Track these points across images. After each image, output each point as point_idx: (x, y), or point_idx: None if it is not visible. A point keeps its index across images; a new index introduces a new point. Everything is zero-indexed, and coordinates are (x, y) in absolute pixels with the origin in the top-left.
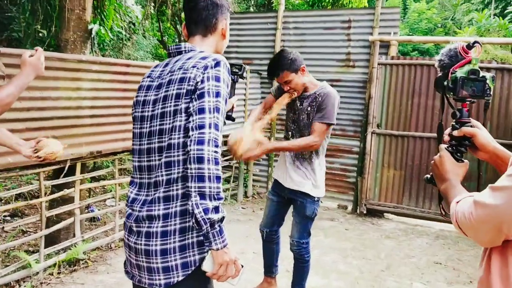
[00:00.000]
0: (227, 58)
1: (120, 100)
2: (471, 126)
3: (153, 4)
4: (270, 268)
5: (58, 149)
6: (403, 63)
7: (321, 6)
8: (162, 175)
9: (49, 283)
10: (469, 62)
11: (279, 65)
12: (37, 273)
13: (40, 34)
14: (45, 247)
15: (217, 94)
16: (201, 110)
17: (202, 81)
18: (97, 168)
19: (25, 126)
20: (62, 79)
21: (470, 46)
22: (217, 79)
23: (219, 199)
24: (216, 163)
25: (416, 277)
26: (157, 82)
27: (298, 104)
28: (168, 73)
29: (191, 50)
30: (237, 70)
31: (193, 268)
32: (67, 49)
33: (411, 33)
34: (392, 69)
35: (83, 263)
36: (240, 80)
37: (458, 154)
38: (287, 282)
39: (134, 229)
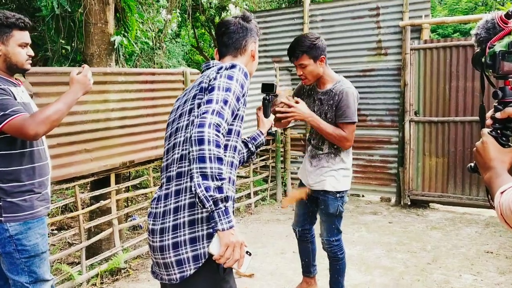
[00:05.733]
0: None
1: (149, 109)
2: None
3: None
4: (307, 268)
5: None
6: (437, 46)
7: None
8: (174, 170)
9: None
10: (509, 33)
11: (300, 45)
12: (80, 284)
13: (64, 51)
14: (89, 258)
15: (228, 89)
16: (209, 101)
17: (215, 78)
18: (137, 176)
19: (56, 142)
20: (89, 92)
21: (509, 15)
22: (230, 77)
23: (221, 179)
24: (217, 145)
25: (466, 269)
26: (184, 93)
27: (315, 104)
28: (193, 83)
29: (218, 64)
30: (269, 91)
31: (203, 260)
32: (93, 63)
33: (450, 14)
34: (426, 53)
35: (124, 272)
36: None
37: (504, 139)
38: (327, 281)
39: (150, 226)
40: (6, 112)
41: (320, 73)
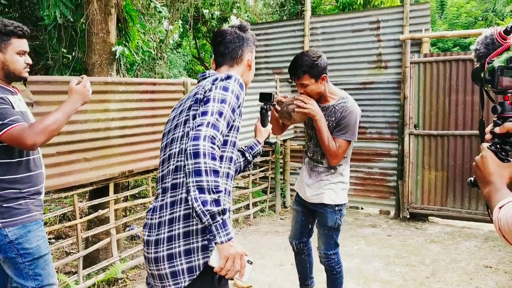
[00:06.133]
0: (256, 69)
1: (149, 119)
2: None
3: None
4: (305, 280)
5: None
6: (437, 60)
7: (352, 9)
8: (169, 181)
9: None
10: (508, 49)
11: (301, 65)
12: None
13: (65, 60)
14: (86, 268)
15: (223, 101)
16: (204, 113)
17: (210, 90)
18: (136, 186)
19: (56, 151)
20: (89, 102)
21: (508, 31)
22: (225, 88)
23: (218, 192)
24: (213, 158)
25: (464, 283)
26: (180, 103)
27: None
28: (188, 94)
29: (214, 75)
30: (267, 100)
31: (197, 272)
32: (94, 72)
33: (450, 29)
34: (426, 67)
35: (121, 282)
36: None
37: (503, 153)
38: None
39: (146, 237)
40: (5, 122)
41: (322, 91)
